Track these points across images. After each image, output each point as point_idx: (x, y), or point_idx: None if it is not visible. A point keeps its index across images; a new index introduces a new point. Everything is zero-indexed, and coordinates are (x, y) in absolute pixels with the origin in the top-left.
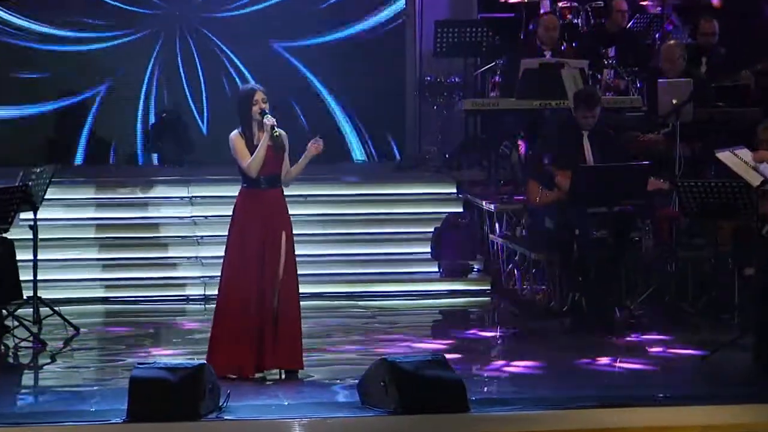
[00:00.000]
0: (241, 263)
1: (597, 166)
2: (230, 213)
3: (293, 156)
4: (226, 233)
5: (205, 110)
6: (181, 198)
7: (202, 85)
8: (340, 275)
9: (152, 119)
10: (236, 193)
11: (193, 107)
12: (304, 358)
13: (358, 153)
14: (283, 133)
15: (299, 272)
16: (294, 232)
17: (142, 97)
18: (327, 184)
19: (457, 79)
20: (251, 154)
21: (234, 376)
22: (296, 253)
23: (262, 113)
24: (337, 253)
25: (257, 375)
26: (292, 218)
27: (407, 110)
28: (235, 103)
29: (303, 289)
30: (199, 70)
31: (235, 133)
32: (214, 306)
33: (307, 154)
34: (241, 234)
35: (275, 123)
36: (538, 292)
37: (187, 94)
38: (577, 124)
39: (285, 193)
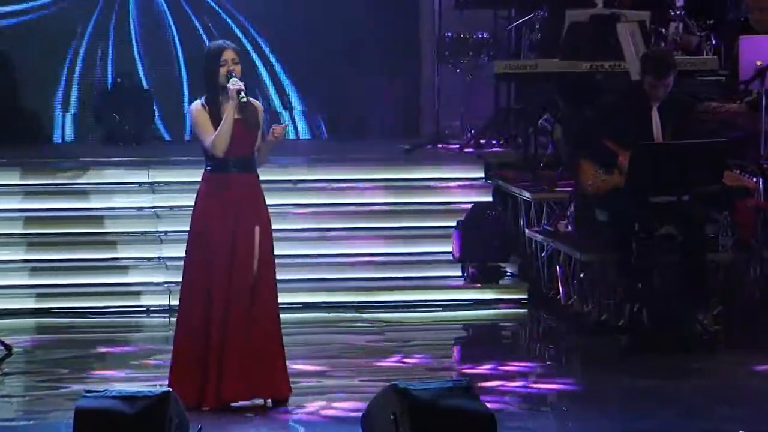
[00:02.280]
0: (203, 265)
1: (660, 144)
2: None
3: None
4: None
5: (170, 77)
6: (140, 184)
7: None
8: (339, 281)
9: (107, 86)
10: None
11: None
12: (294, 385)
13: (359, 127)
14: (257, 104)
15: (289, 277)
16: (281, 227)
17: (82, 54)
18: (321, 168)
19: (485, 36)
20: (216, 129)
21: (205, 408)
22: (285, 253)
23: (228, 76)
24: (336, 254)
25: (234, 404)
26: (277, 210)
27: (422, 75)
28: (202, 65)
29: (294, 298)
30: (171, 20)
31: (196, 104)
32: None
33: (269, 139)
34: (204, 229)
35: (243, 88)
36: (587, 302)
37: (177, 54)
38: (645, 93)
39: (262, 178)
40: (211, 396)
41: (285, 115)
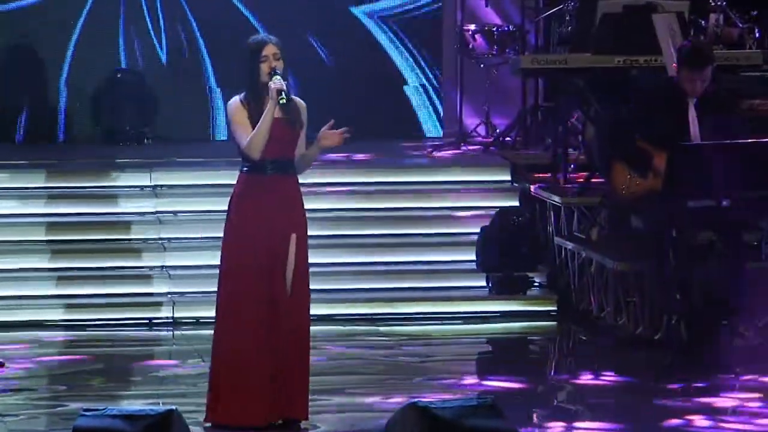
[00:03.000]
0: (240, 275)
1: (700, 144)
2: (207, 207)
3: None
4: (207, 234)
5: (174, 70)
6: (141, 188)
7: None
8: (354, 292)
9: (103, 81)
10: (217, 181)
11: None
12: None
13: (378, 126)
14: (300, 102)
15: None
16: None
17: (71, 50)
18: (334, 170)
19: (511, 28)
20: (253, 128)
21: (246, 426)
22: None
23: (271, 74)
24: (351, 263)
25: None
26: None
27: (444, 71)
28: (243, 60)
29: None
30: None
31: (235, 100)
32: (213, 332)
33: (319, 144)
34: (239, 234)
35: (284, 88)
36: (622, 314)
37: (156, 44)
38: (681, 89)
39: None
40: (262, 413)
41: None
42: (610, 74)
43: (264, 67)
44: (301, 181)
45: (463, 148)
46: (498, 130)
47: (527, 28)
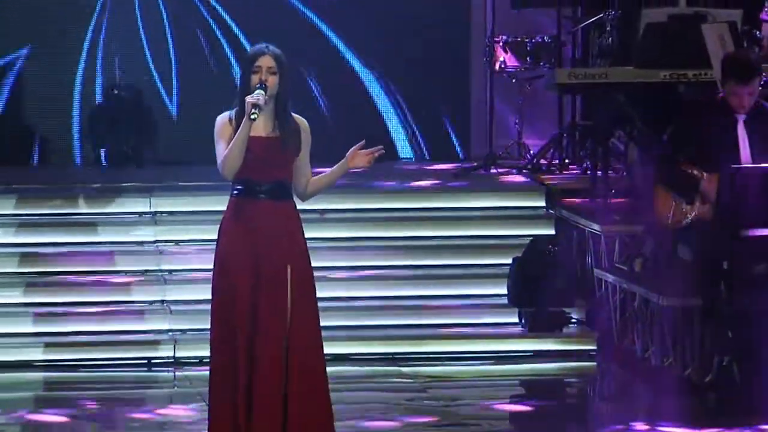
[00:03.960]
0: (229, 310)
1: (754, 166)
2: (212, 236)
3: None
4: (212, 266)
5: (174, 85)
6: (140, 215)
7: (171, 49)
8: (374, 329)
9: (98, 98)
10: (223, 207)
11: (158, 81)
12: None
13: (402, 148)
14: (300, 121)
15: None
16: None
17: (82, 66)
18: (354, 194)
19: (546, 40)
20: None
21: None
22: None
23: (256, 87)
24: (370, 297)
25: None
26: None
27: (473, 86)
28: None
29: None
30: (166, 25)
31: (223, 116)
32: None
33: (345, 166)
34: (226, 265)
35: (260, 103)
36: (668, 354)
37: (150, 62)
38: (728, 104)
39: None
40: None
41: None
42: (655, 89)
43: (255, 79)
44: (313, 206)
45: (493, 171)
46: (531, 152)
47: (563, 40)
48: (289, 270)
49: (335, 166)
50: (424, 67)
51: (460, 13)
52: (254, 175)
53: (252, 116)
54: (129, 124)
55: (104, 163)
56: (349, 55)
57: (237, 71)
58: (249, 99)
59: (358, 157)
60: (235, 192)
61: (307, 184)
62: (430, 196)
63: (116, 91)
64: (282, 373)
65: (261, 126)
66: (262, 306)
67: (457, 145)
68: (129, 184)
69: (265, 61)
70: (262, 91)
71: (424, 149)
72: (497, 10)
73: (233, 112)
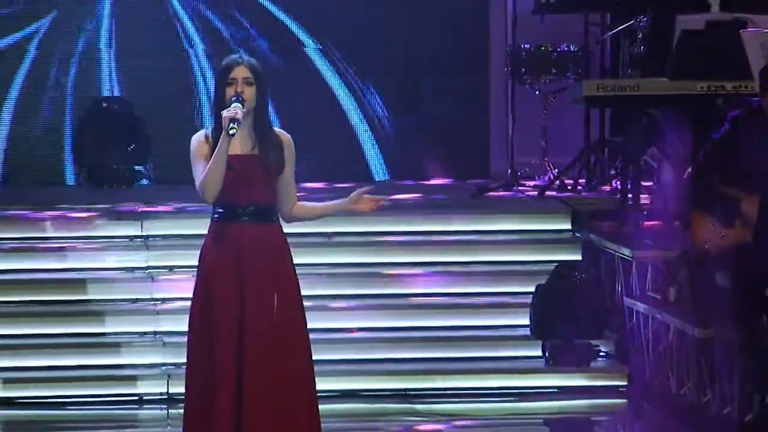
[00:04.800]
0: (207, 346)
1: None
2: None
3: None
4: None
5: (168, 99)
6: (131, 239)
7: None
8: (384, 363)
9: (82, 113)
10: None
11: (151, 94)
12: None
13: (411, 165)
14: (283, 135)
15: (319, 358)
16: (310, 293)
17: (71, 78)
18: (363, 217)
19: (572, 48)
20: None
21: None
22: (314, 327)
23: (232, 100)
24: (381, 328)
25: None
26: (306, 271)
27: (492, 99)
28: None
29: (327, 385)
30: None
31: (198, 134)
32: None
33: (344, 206)
34: (208, 295)
35: (238, 117)
36: (706, 391)
37: (143, 73)
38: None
39: (285, 229)
40: None
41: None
42: (691, 103)
43: (229, 92)
44: (315, 229)
45: (515, 190)
46: (556, 170)
47: (591, 48)
48: (275, 300)
49: (334, 202)
50: (440, 78)
51: (479, 18)
52: (235, 197)
53: (231, 131)
54: (119, 139)
55: (91, 182)
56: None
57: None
58: (225, 113)
59: (363, 202)
60: (216, 216)
61: (293, 207)
62: (444, 219)
63: (105, 104)
64: (271, 409)
65: (238, 143)
66: (248, 343)
67: (475, 162)
68: (118, 205)
69: (240, 72)
70: (239, 104)
71: (438, 167)
72: (519, 16)
73: (209, 129)
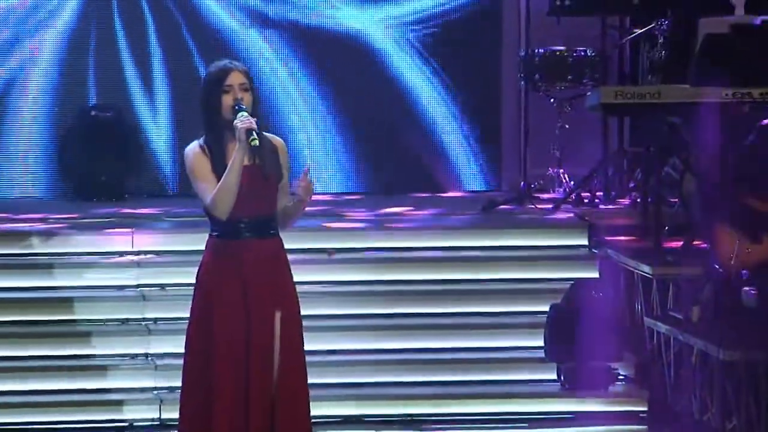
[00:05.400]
0: (205, 368)
1: None
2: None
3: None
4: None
5: (161, 106)
6: (121, 254)
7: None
8: (389, 387)
9: (71, 121)
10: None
11: (142, 101)
12: None
13: (416, 177)
14: (277, 141)
15: (320, 381)
16: (310, 312)
17: (53, 86)
18: (366, 233)
19: (589, 53)
20: (219, 180)
21: None
22: (315, 349)
23: (236, 108)
24: (385, 350)
25: None
26: (305, 290)
27: (504, 106)
28: (201, 94)
29: (328, 410)
30: (153, 39)
31: (193, 147)
32: None
33: (296, 200)
34: (205, 315)
35: (254, 126)
36: (731, 416)
37: (132, 80)
38: None
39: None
40: None
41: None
42: (716, 111)
43: (227, 100)
44: (315, 245)
45: (528, 204)
46: (572, 182)
47: (609, 53)
48: (277, 318)
49: (292, 202)
50: (451, 85)
51: (490, 20)
52: (235, 211)
53: (253, 143)
54: (108, 149)
55: (79, 195)
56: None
57: None
58: (240, 124)
59: (300, 187)
60: (215, 232)
61: (284, 215)
62: (452, 234)
63: (94, 112)
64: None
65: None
66: (253, 362)
67: (485, 174)
68: (108, 219)
69: (236, 78)
70: (245, 111)
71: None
72: (533, 18)
73: (202, 140)
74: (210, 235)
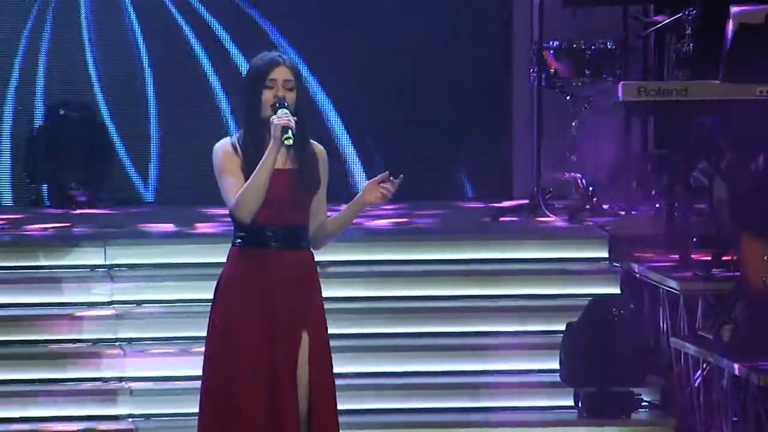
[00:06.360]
0: (228, 392)
1: None
2: (183, 296)
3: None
4: (184, 333)
5: (136, 105)
6: (92, 268)
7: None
8: (390, 413)
9: (39, 120)
10: (197, 259)
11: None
12: None
13: (421, 183)
14: (319, 149)
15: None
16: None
17: (14, 80)
18: (367, 245)
19: (609, 46)
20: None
21: None
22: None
23: (276, 105)
24: (388, 373)
25: None
26: None
27: (515, 106)
28: (243, 86)
29: None
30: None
31: (224, 143)
32: None
33: (360, 201)
34: (227, 333)
35: (292, 125)
36: None
37: (101, 78)
38: None
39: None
40: None
41: None
42: (749, 109)
43: (268, 96)
44: (331, 258)
45: (542, 212)
46: (590, 189)
47: (631, 46)
48: (306, 339)
49: (348, 204)
50: (456, 83)
51: (500, 11)
52: (264, 218)
53: (287, 141)
54: (78, 153)
55: (46, 204)
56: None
57: (218, 90)
58: (277, 120)
59: (374, 192)
60: (239, 240)
61: (319, 227)
62: (457, 245)
63: (62, 111)
64: None
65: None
66: (280, 385)
67: (494, 179)
68: (78, 230)
69: (281, 74)
70: (287, 110)
71: (455, 184)
72: (547, 8)
73: (235, 138)
74: (233, 244)
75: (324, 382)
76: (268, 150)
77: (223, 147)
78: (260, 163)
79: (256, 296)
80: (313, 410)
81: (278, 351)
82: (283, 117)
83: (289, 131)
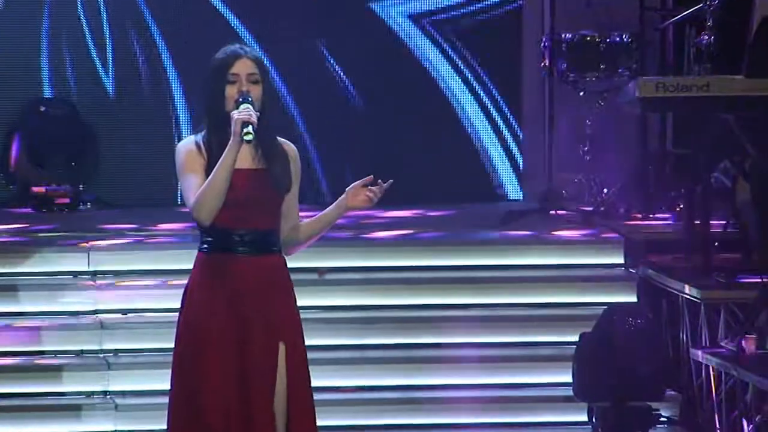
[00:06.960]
0: (197, 406)
1: None
2: (170, 305)
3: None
4: (171, 345)
5: (121, 104)
6: (74, 274)
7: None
8: (391, 430)
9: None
10: (185, 265)
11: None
12: None
13: (424, 185)
14: (289, 148)
15: (320, 423)
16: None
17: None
18: (366, 250)
19: (625, 39)
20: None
21: None
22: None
23: (239, 100)
24: (387, 386)
25: None
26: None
27: (525, 103)
28: (203, 83)
29: None
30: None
31: (187, 142)
32: None
33: (342, 205)
34: (194, 342)
35: (253, 120)
36: None
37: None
38: None
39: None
40: None
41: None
42: None
43: (230, 91)
44: (303, 264)
45: (554, 216)
46: (605, 190)
47: (649, 39)
48: (282, 349)
49: (329, 207)
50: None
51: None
52: (232, 222)
53: (246, 137)
54: (60, 152)
55: (26, 205)
56: None
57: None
58: (237, 115)
59: (359, 195)
60: (205, 246)
61: (291, 230)
62: (464, 251)
63: (44, 108)
64: None
65: (242, 155)
66: (252, 399)
67: (502, 179)
68: (60, 234)
69: (244, 66)
70: (249, 105)
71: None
72: (557, 3)
73: (199, 136)
74: (199, 250)
75: (303, 395)
76: (228, 147)
77: (186, 146)
78: (219, 160)
79: (225, 305)
80: (291, 423)
81: (253, 363)
82: (243, 111)
83: (250, 126)
